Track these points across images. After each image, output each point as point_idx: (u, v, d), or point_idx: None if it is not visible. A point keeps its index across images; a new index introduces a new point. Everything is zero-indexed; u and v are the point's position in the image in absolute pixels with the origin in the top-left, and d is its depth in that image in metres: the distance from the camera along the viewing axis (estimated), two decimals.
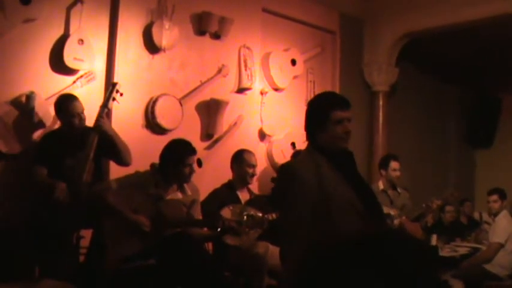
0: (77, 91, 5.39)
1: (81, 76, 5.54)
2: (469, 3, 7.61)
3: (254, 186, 6.42)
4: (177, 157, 4.87)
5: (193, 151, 4.95)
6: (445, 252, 7.14)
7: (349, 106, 3.36)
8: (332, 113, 3.30)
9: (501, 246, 6.67)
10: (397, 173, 6.84)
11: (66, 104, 4.95)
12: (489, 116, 11.53)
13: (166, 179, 4.86)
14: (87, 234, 4.94)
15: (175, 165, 4.85)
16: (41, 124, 5.26)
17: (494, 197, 7.06)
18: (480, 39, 8.83)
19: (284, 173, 3.47)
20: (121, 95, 5.14)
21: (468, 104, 11.41)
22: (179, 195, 4.92)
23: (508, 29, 8.24)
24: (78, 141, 4.91)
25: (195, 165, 5.05)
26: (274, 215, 5.38)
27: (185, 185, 4.97)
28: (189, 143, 5.04)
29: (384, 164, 6.95)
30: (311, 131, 3.43)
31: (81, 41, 5.48)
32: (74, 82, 5.49)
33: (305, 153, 3.50)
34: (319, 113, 3.37)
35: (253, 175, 5.79)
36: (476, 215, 9.82)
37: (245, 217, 5.17)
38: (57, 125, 5.25)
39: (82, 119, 4.96)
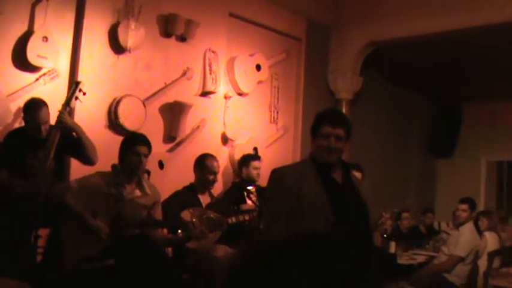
0: (39, 89, 5.36)
1: (45, 74, 5.50)
2: (433, 15, 7.75)
3: (216, 190, 6.46)
4: (126, 146, 4.91)
5: (142, 141, 4.95)
6: (403, 260, 7.23)
7: (341, 124, 3.61)
8: (322, 127, 3.57)
9: (462, 260, 6.69)
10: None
11: (34, 111, 4.89)
12: (450, 126, 11.71)
13: (126, 178, 4.86)
14: (45, 234, 4.92)
15: (124, 154, 4.88)
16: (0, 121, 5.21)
17: (465, 206, 6.97)
18: (443, 50, 9.00)
19: (270, 176, 3.72)
20: (84, 94, 5.12)
21: (430, 113, 11.57)
22: (137, 193, 4.91)
23: (470, 40, 8.43)
24: (40, 140, 4.88)
25: (154, 166, 5.06)
26: (233, 219, 5.46)
27: (144, 184, 4.97)
28: (141, 135, 5.11)
29: None
30: (312, 140, 3.69)
31: (45, 38, 5.45)
32: (37, 80, 5.46)
33: (301, 161, 3.89)
34: (315, 124, 3.65)
35: (213, 182, 5.84)
36: (435, 224, 9.95)
37: (205, 220, 5.21)
38: (18, 122, 5.22)
39: (48, 126, 4.92)
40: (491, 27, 7.54)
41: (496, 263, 7.21)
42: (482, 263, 6.94)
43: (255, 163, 6.60)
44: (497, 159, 12.18)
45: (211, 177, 5.79)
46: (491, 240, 7.37)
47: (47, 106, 4.97)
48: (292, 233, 1.33)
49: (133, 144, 4.91)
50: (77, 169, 5.23)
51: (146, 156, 4.92)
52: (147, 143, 4.96)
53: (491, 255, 6.90)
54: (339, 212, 3.45)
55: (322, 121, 3.60)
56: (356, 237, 3.26)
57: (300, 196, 3.45)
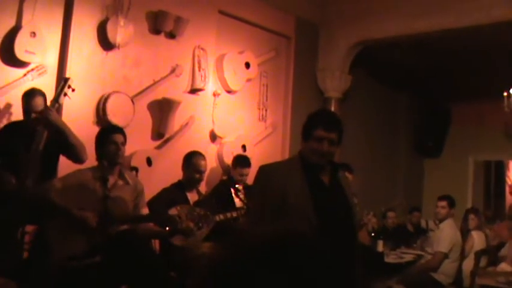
0: (27, 84, 5.34)
1: (32, 69, 5.49)
2: (422, 16, 7.80)
3: (204, 187, 6.47)
4: (102, 137, 4.93)
5: (116, 130, 5.01)
6: (390, 258, 7.25)
7: (335, 128, 3.59)
8: (315, 130, 3.53)
9: (445, 256, 6.78)
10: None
11: (29, 97, 4.95)
12: (438, 126, 11.76)
13: (108, 171, 4.85)
14: (31, 230, 4.90)
15: (101, 146, 4.88)
16: None
17: (443, 203, 7.12)
18: (433, 49, 9.04)
19: (257, 173, 3.70)
20: (73, 90, 5.09)
21: (418, 113, 11.62)
22: (120, 183, 4.91)
23: (460, 40, 8.47)
24: (32, 133, 4.86)
25: (142, 163, 5.05)
26: (221, 216, 5.46)
27: (125, 174, 4.98)
28: (114, 125, 5.21)
29: None
30: (302, 139, 3.66)
31: (33, 34, 5.43)
32: (25, 75, 5.45)
33: (288, 158, 3.87)
34: (307, 126, 3.61)
35: (199, 180, 5.83)
36: (423, 223, 9.98)
37: (192, 217, 5.21)
38: (6, 118, 5.20)
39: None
40: (479, 28, 7.62)
41: (483, 262, 7.26)
42: (469, 262, 6.99)
43: (244, 171, 6.54)
44: (484, 159, 12.26)
45: (197, 175, 5.78)
46: (478, 240, 7.42)
47: (44, 96, 4.98)
48: (268, 231, 1.32)
49: (109, 133, 4.94)
50: (65, 167, 5.19)
51: (123, 144, 4.93)
52: (121, 132, 5.00)
53: (478, 255, 6.95)
54: (322, 214, 3.44)
55: (316, 124, 3.56)
56: (339, 239, 3.23)
57: (285, 195, 3.43)
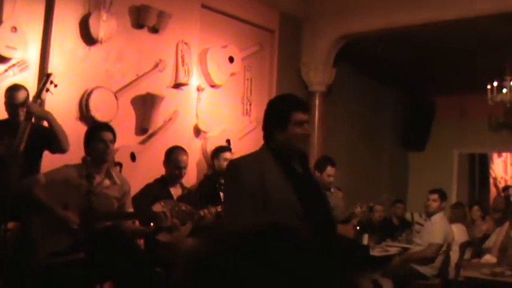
0: (8, 80, 5.31)
1: (14, 65, 5.46)
2: (405, 9, 7.84)
3: (190, 182, 6.46)
4: (91, 134, 4.93)
5: (106, 128, 5.01)
6: (376, 252, 7.27)
7: (308, 109, 3.54)
8: (293, 114, 3.40)
9: (440, 247, 6.83)
10: (331, 179, 6.75)
11: (12, 91, 4.96)
12: (423, 119, 11.81)
13: (95, 169, 4.83)
14: (12, 227, 4.87)
15: (90, 143, 4.87)
16: None
17: (435, 196, 7.14)
18: (416, 43, 9.08)
19: (228, 169, 3.62)
20: (55, 86, 5.05)
21: (403, 106, 11.66)
22: (106, 182, 4.90)
23: (443, 34, 8.52)
24: (15, 128, 4.83)
25: (126, 159, 5.04)
26: (206, 211, 5.45)
27: (112, 173, 4.97)
28: (104, 123, 5.20)
29: (321, 166, 6.78)
30: (269, 130, 3.51)
31: (14, 29, 5.39)
32: (6, 71, 5.41)
33: (256, 152, 3.64)
34: (280, 112, 3.46)
35: (179, 176, 5.80)
36: (408, 216, 10.04)
37: (176, 213, 5.21)
38: None
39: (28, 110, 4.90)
40: (462, 21, 7.68)
41: (468, 254, 7.32)
42: (454, 255, 7.04)
43: (226, 154, 6.57)
44: (469, 152, 12.33)
45: (177, 171, 5.76)
46: (458, 232, 7.49)
47: (27, 91, 4.98)
48: (251, 225, 1.32)
49: (98, 131, 4.94)
50: (48, 162, 5.17)
51: (112, 142, 4.92)
52: (111, 129, 4.98)
53: (463, 247, 7.00)
54: (305, 203, 3.38)
55: (291, 108, 3.43)
56: (322, 229, 3.25)
57: (264, 188, 3.31)
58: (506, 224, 7.01)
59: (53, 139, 5.02)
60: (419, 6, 7.74)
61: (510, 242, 6.75)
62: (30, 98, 4.94)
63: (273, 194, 3.32)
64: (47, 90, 5.01)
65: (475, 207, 7.83)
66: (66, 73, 5.84)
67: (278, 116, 3.46)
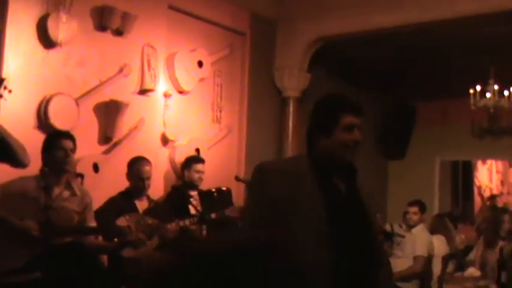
0: None
1: None
2: (384, 10, 7.85)
3: (157, 193, 6.40)
4: (49, 142, 4.87)
5: (65, 136, 4.94)
6: None
7: (362, 113, 3.06)
8: (342, 117, 2.98)
9: (425, 260, 6.88)
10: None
11: None
12: (403, 126, 11.80)
13: (54, 180, 4.76)
14: None
15: (48, 152, 4.81)
16: None
17: (415, 208, 7.23)
18: (394, 46, 9.10)
19: (255, 172, 3.09)
20: (9, 92, 4.93)
21: (381, 112, 11.67)
22: (66, 194, 4.82)
23: (423, 36, 8.55)
24: None
25: (88, 170, 4.98)
26: (173, 224, 5.40)
27: (73, 185, 4.90)
28: (64, 130, 5.18)
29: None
30: (312, 135, 3.10)
31: None
32: None
33: (294, 157, 3.31)
34: (326, 114, 3.04)
35: (143, 188, 5.75)
36: (387, 227, 10.04)
37: (142, 227, 5.15)
38: None
39: None
40: (442, 22, 7.73)
41: (450, 267, 7.35)
42: (436, 268, 7.06)
43: (198, 166, 6.52)
44: (451, 159, 12.38)
45: (140, 183, 5.71)
46: (438, 244, 7.52)
47: None
48: (224, 242, 1.29)
49: (57, 138, 4.87)
50: (1, 174, 5.07)
51: (72, 151, 4.86)
52: (71, 137, 4.92)
53: (446, 259, 7.02)
54: (337, 226, 2.87)
55: (341, 109, 2.99)
56: (356, 258, 2.87)
57: (289, 203, 2.86)
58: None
59: (9, 153, 4.92)
60: (399, 6, 7.76)
61: (488, 256, 6.82)
62: None
63: (298, 212, 2.87)
64: (1, 96, 4.92)
65: (445, 219, 7.91)
66: (23, 78, 5.74)
67: (323, 118, 3.04)
